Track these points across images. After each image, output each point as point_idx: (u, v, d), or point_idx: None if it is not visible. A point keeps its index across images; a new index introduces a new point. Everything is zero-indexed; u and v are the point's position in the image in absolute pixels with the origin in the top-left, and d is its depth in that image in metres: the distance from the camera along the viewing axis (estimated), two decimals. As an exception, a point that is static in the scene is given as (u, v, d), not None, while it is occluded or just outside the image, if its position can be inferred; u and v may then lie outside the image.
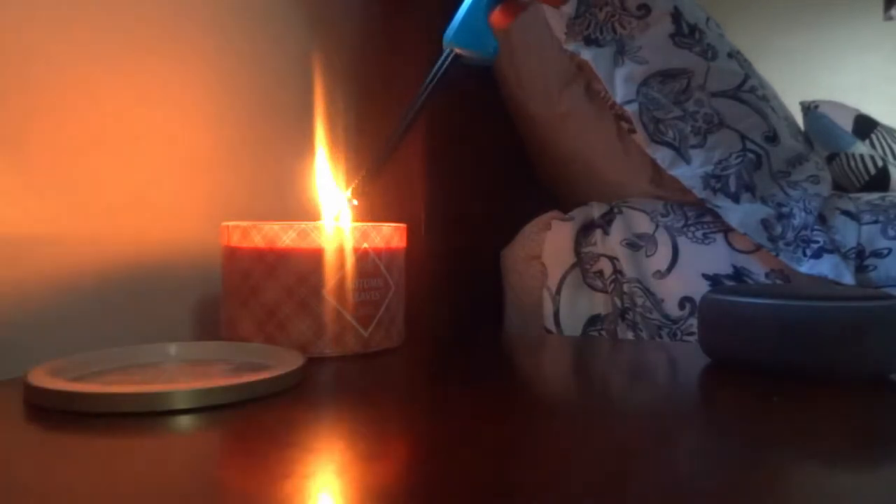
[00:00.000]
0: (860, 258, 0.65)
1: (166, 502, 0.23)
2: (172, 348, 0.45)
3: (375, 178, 0.51)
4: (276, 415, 0.34)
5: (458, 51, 0.50)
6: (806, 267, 0.63)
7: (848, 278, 0.62)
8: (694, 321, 0.65)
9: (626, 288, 0.68)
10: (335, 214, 0.52)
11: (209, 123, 0.58)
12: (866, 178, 1.17)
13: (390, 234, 0.51)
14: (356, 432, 0.31)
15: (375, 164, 0.52)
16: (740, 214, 0.67)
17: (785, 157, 0.74)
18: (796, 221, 0.67)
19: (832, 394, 0.38)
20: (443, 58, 0.50)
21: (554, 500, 0.23)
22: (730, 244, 0.68)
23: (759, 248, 0.66)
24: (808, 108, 1.28)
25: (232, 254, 0.48)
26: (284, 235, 0.47)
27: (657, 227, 0.70)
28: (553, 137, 0.82)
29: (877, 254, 0.65)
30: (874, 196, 0.75)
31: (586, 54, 0.72)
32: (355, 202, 0.52)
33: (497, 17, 0.51)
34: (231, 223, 0.49)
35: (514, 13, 0.53)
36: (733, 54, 0.75)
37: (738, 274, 0.66)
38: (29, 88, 0.44)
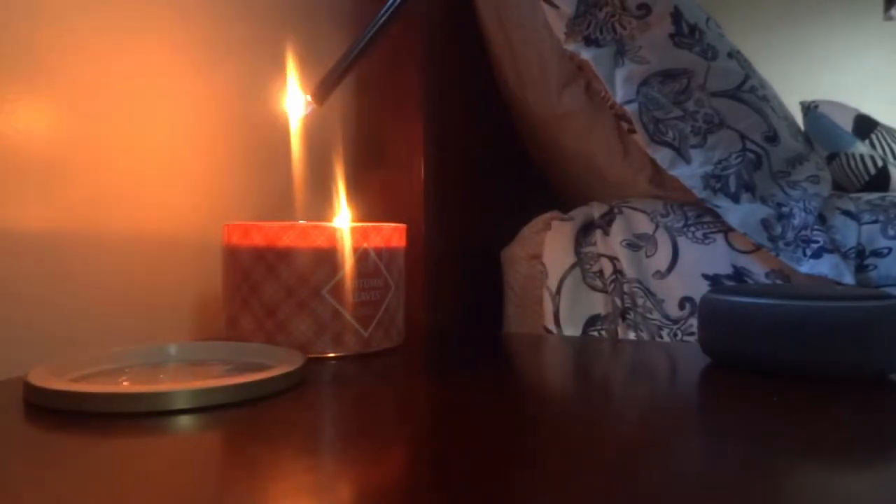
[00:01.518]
0: (860, 258, 0.65)
1: (166, 502, 0.23)
2: (172, 348, 0.45)
3: (335, 85, 0.53)
4: (276, 415, 0.34)
5: None
6: (806, 267, 0.63)
7: (848, 278, 0.62)
8: (694, 321, 0.65)
9: (626, 288, 0.68)
10: (299, 119, 0.52)
11: (210, 123, 0.58)
12: (866, 178, 1.17)
13: (390, 234, 0.51)
14: (356, 432, 0.31)
15: (336, 71, 0.53)
16: (740, 214, 0.67)
17: (785, 157, 0.74)
18: (796, 221, 0.66)
19: (832, 394, 0.38)
20: None
21: (554, 499, 0.23)
22: (730, 244, 0.68)
23: (759, 248, 0.66)
24: (808, 108, 1.28)
25: (232, 253, 0.48)
26: (284, 235, 0.47)
27: (657, 227, 0.70)
28: (553, 137, 0.82)
29: (877, 253, 0.65)
30: (874, 196, 0.75)
31: (586, 54, 0.72)
32: (316, 101, 0.52)
33: None
34: (231, 223, 0.49)
35: None
36: (733, 54, 0.75)
37: (738, 274, 0.66)
38: (28, 87, 0.44)
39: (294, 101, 0.52)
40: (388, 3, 0.52)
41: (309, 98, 0.52)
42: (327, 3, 0.73)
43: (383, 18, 0.53)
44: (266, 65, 0.64)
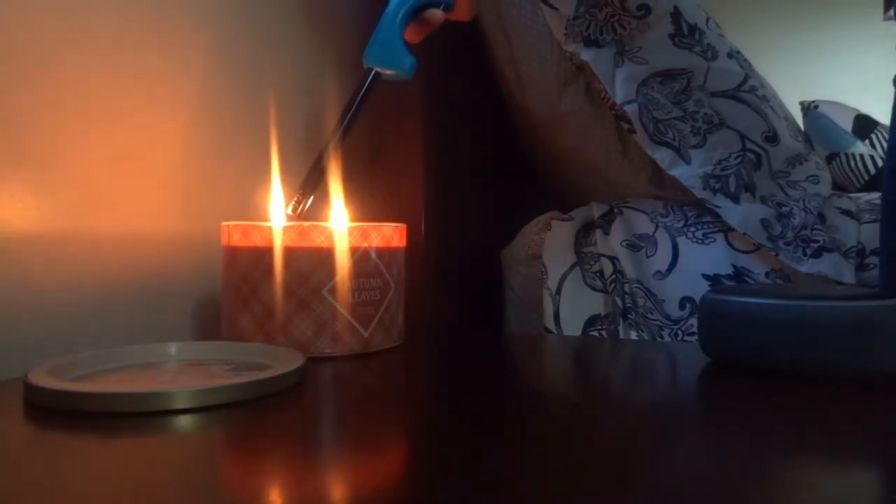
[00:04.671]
0: (860, 257, 0.65)
1: (166, 502, 0.23)
2: (172, 348, 0.45)
3: (310, 194, 0.54)
4: (276, 415, 0.34)
5: (378, 69, 0.55)
6: (806, 266, 0.63)
7: (848, 277, 0.62)
8: (695, 321, 0.65)
9: (627, 288, 0.68)
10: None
11: (210, 123, 0.58)
12: (866, 177, 1.17)
13: (390, 234, 0.51)
14: (356, 432, 0.31)
15: (310, 181, 0.55)
16: (740, 214, 0.67)
17: (785, 156, 0.74)
18: (796, 221, 0.66)
19: (832, 394, 0.38)
20: (365, 77, 0.55)
21: (555, 499, 0.23)
22: (730, 244, 0.68)
23: (759, 247, 0.66)
24: (808, 108, 1.28)
25: (232, 254, 0.48)
26: (284, 235, 0.47)
27: (657, 227, 0.70)
28: (553, 137, 0.82)
29: (877, 252, 0.65)
30: (874, 196, 0.75)
31: (586, 55, 0.72)
32: (295, 213, 0.54)
33: (410, 33, 0.56)
34: (231, 223, 0.49)
35: (425, 30, 0.58)
36: (733, 54, 0.75)
37: (738, 274, 0.66)
38: (29, 88, 0.44)
39: (277, 213, 0.53)
40: (348, 107, 0.55)
41: (290, 212, 0.53)
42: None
43: (347, 119, 0.55)
44: (265, 62, 0.64)
